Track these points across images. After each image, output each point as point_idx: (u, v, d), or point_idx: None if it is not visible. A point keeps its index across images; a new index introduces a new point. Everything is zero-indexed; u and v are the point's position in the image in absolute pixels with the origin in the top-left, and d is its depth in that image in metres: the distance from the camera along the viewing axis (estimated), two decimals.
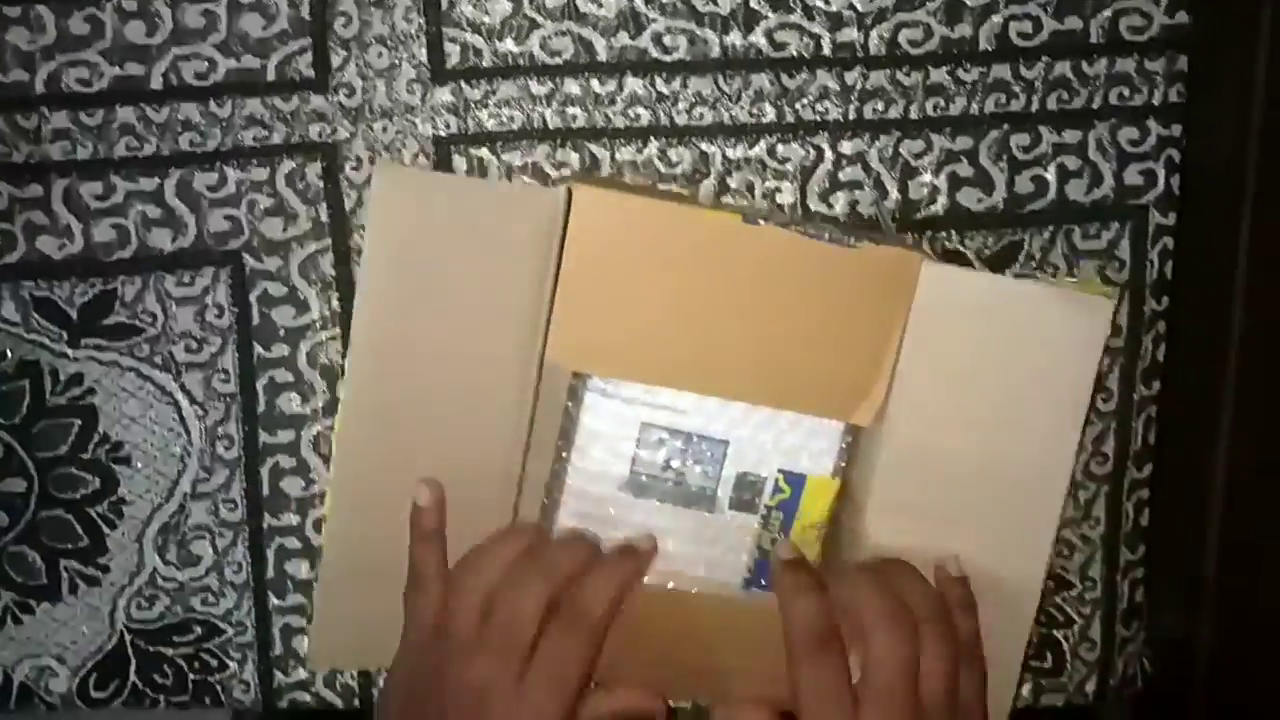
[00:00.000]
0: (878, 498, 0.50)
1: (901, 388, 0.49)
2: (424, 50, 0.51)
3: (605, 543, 0.50)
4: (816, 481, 0.51)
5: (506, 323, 0.49)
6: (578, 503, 0.51)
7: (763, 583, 0.52)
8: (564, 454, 0.51)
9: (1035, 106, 0.53)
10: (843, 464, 0.51)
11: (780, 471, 0.51)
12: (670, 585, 0.52)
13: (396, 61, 0.52)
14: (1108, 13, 0.52)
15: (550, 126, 0.52)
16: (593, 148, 0.52)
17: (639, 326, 0.49)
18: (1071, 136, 0.53)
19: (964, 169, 0.53)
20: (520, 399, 0.50)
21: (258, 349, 0.53)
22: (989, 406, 0.49)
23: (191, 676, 0.55)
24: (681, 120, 0.52)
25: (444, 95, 0.52)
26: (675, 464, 0.50)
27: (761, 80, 0.52)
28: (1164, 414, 0.56)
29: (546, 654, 0.45)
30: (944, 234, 0.53)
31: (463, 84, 0.52)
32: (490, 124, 0.52)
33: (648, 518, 0.51)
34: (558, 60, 0.52)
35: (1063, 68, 0.53)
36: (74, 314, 0.53)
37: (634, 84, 0.52)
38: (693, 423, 0.50)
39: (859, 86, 0.52)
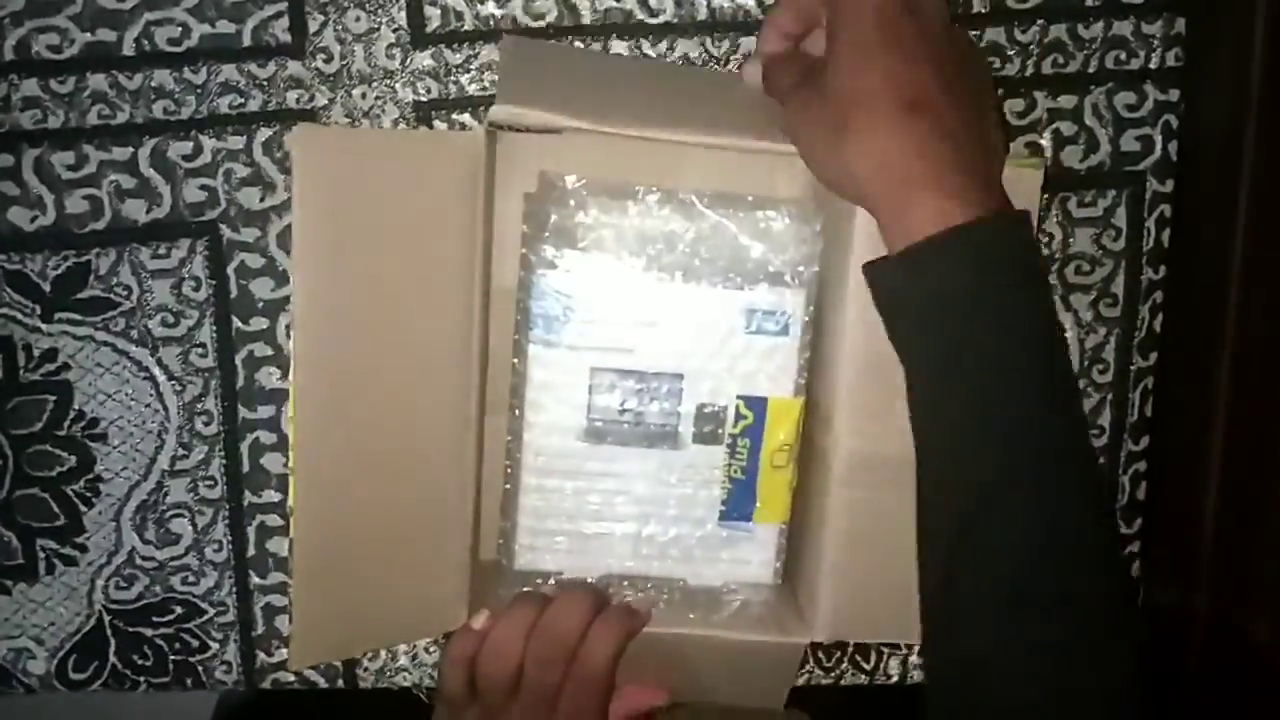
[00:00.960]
0: (845, 408, 0.48)
1: (857, 289, 0.45)
2: (403, 14, 0.50)
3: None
4: (779, 403, 0.50)
5: (445, 278, 0.47)
6: (538, 459, 0.50)
7: (736, 515, 0.51)
8: (517, 411, 0.50)
9: (1030, 70, 0.52)
10: (802, 382, 0.50)
11: (740, 398, 0.50)
12: (647, 531, 0.51)
13: (375, 25, 0.50)
14: None
15: None
16: None
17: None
18: (1067, 101, 0.52)
19: None
20: (466, 355, 0.48)
21: (236, 322, 0.52)
22: None
23: (172, 657, 0.54)
24: None
25: (424, 60, 0.51)
26: (631, 405, 0.49)
27: (750, 42, 0.51)
28: (1161, 385, 0.55)
29: (568, 711, 0.48)
30: None
31: (443, 48, 0.50)
32: (472, 88, 0.51)
33: (610, 464, 0.50)
34: (541, 23, 0.50)
35: (1058, 31, 0.51)
36: (47, 287, 0.51)
37: (619, 46, 0.51)
38: (644, 360, 0.49)
39: None
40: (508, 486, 0.51)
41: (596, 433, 0.50)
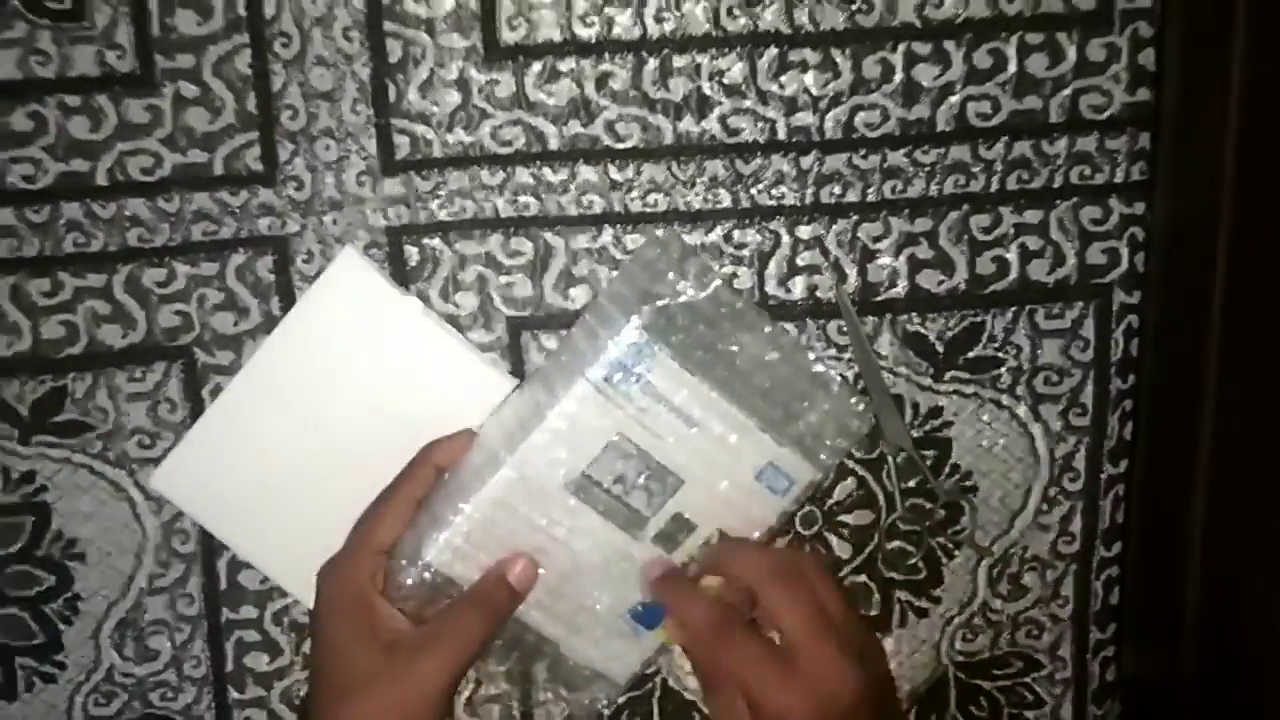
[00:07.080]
0: None
1: None
2: (373, 142, 0.51)
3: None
4: None
5: None
6: (520, 475, 0.48)
7: (642, 620, 0.51)
8: (546, 410, 0.49)
9: (995, 187, 0.52)
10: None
11: (719, 530, 0.50)
12: (567, 588, 0.51)
13: (345, 153, 0.51)
14: (1067, 91, 0.51)
15: (503, 215, 0.51)
16: (546, 236, 0.52)
17: None
18: (1033, 216, 0.52)
19: (924, 251, 0.52)
20: None
21: None
22: None
23: None
24: (636, 207, 0.52)
25: (394, 186, 0.51)
26: (627, 480, 0.49)
27: (716, 166, 0.51)
28: (1138, 488, 0.55)
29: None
30: (905, 317, 0.53)
31: (413, 175, 0.51)
32: (442, 214, 0.51)
33: (576, 521, 0.49)
34: (509, 149, 0.51)
35: (1022, 147, 0.52)
36: (24, 411, 0.52)
37: (587, 172, 0.51)
38: (662, 452, 0.49)
39: (815, 170, 0.51)
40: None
41: (584, 489, 0.49)
